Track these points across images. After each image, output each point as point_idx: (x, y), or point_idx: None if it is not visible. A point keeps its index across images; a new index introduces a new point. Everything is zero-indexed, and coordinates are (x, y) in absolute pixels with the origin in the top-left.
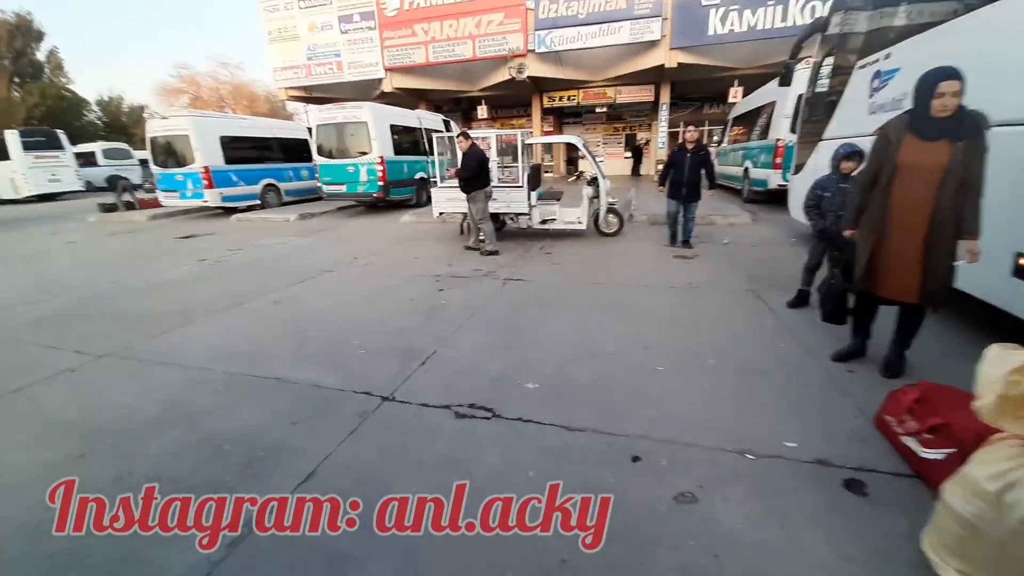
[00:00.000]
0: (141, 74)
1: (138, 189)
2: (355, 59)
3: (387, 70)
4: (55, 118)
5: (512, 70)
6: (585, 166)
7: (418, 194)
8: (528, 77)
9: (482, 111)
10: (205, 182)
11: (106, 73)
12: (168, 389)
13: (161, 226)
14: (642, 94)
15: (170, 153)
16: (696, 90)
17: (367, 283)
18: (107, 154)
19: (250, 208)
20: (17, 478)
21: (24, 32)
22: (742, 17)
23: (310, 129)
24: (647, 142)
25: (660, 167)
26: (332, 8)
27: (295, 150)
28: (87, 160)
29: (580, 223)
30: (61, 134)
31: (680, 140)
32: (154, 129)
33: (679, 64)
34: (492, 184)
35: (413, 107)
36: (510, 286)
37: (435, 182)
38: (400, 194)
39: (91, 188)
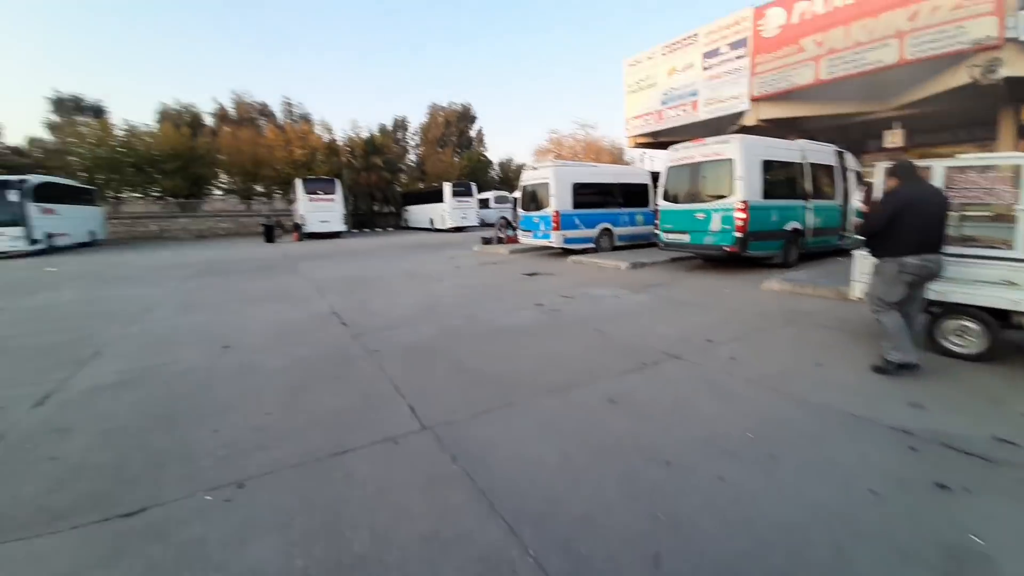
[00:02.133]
0: (529, 139)
1: (508, 228)
2: (714, 95)
3: (754, 100)
4: (473, 175)
5: (976, 70)
6: None
7: (787, 251)
8: (1001, 79)
9: (893, 137)
10: (554, 224)
11: (507, 140)
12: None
13: (514, 261)
14: None
15: (533, 199)
16: None
17: (744, 403)
18: (496, 200)
19: (585, 251)
20: None
21: (464, 117)
22: None
23: (654, 174)
24: None
25: None
26: (697, 45)
27: (633, 195)
28: (483, 204)
29: None
30: (472, 185)
31: None
32: (525, 179)
33: None
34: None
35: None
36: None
37: (846, 239)
38: (762, 249)
39: (483, 224)
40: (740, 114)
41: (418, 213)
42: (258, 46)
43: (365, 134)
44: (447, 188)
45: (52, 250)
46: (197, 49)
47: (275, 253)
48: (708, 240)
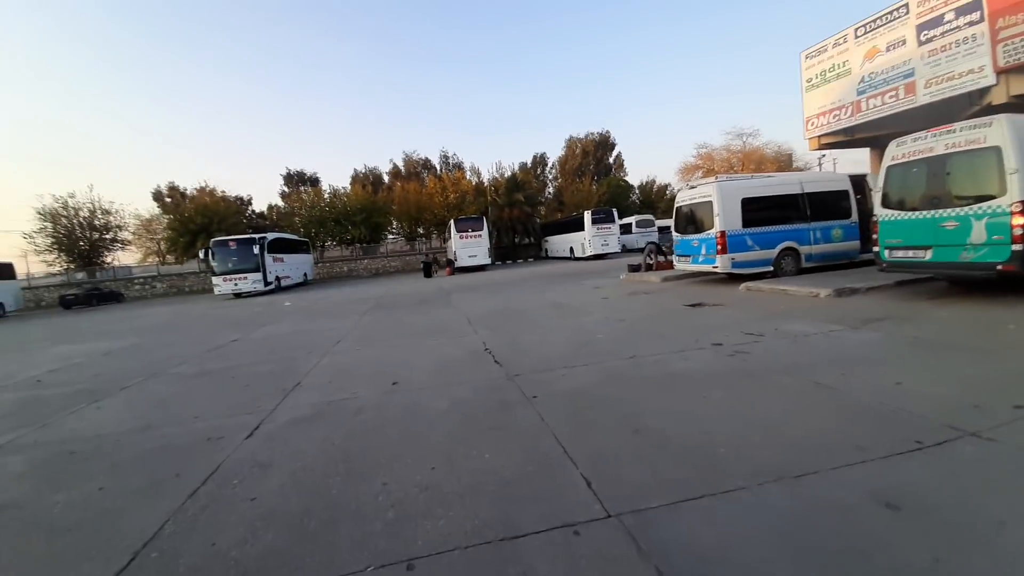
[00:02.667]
0: (671, 159)
1: (658, 253)
2: (939, 72)
3: (1001, 72)
4: (613, 201)
5: None
6: None
7: None
8: None
9: None
10: (719, 247)
11: (648, 162)
12: None
13: (669, 289)
14: None
15: (691, 220)
16: None
17: None
18: (638, 224)
19: (759, 276)
20: None
21: (602, 145)
22: None
23: (855, 178)
24: None
25: None
26: (908, 18)
27: (826, 205)
28: (625, 230)
29: None
30: (613, 211)
31: None
32: (682, 198)
33: None
34: None
35: None
36: None
37: None
38: None
39: (624, 250)
40: (983, 91)
41: (558, 243)
42: (422, 106)
43: (508, 173)
44: (587, 216)
45: (279, 289)
46: (378, 123)
47: (432, 287)
48: (966, 256)
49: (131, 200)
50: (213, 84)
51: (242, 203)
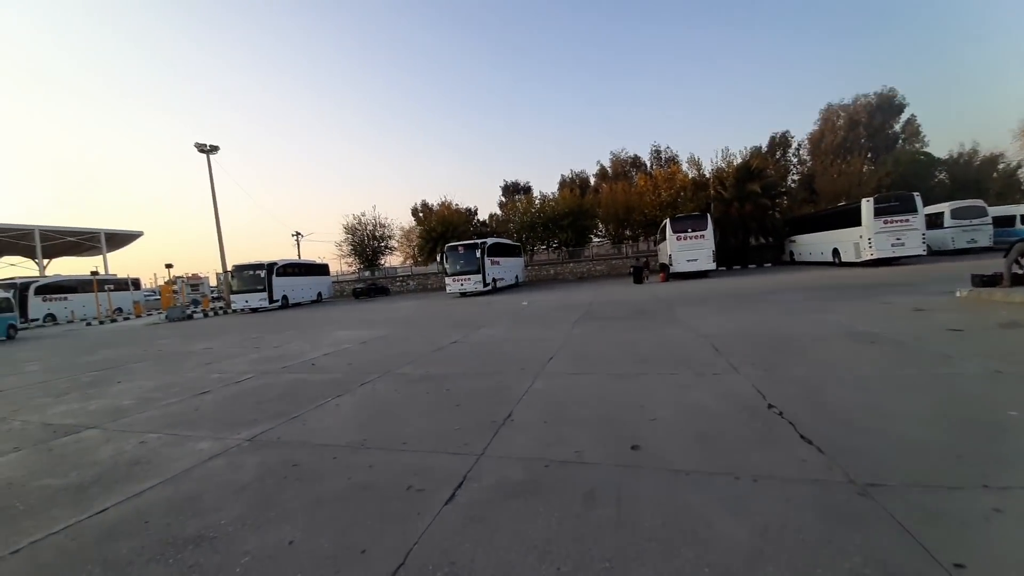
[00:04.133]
0: (1002, 115)
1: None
2: None
3: None
4: (904, 183)
5: None
6: None
7: None
8: None
9: None
10: None
11: (959, 123)
12: None
13: None
14: None
15: None
16: None
17: None
18: (955, 214)
19: None
20: None
21: (882, 109)
22: None
23: None
24: None
25: None
26: None
27: None
28: (932, 222)
29: None
30: (916, 197)
31: None
32: None
33: None
34: None
35: None
36: None
37: None
38: None
39: (931, 252)
40: None
41: (811, 243)
42: (635, 100)
43: (737, 161)
44: (867, 206)
45: (495, 290)
46: (585, 127)
47: (645, 295)
48: None
49: (397, 215)
50: (463, 113)
51: (470, 213)
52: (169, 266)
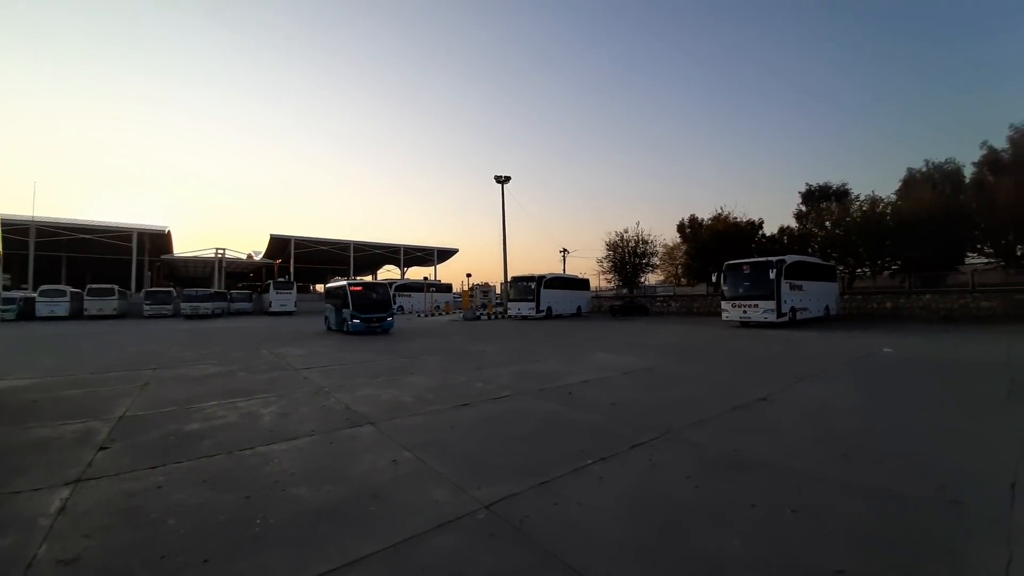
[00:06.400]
0: None
1: None
2: None
3: None
4: None
5: None
6: None
7: None
8: None
9: None
10: None
11: None
12: None
13: None
14: None
15: None
16: None
17: None
18: None
19: None
20: None
21: None
22: None
23: None
24: None
25: None
26: None
27: None
28: None
29: None
30: None
31: None
32: None
33: None
34: None
35: None
36: None
37: None
38: None
39: None
40: None
41: None
42: None
43: None
44: None
45: (793, 323)
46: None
47: None
48: None
49: (661, 231)
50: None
51: (752, 227)
52: (468, 275)
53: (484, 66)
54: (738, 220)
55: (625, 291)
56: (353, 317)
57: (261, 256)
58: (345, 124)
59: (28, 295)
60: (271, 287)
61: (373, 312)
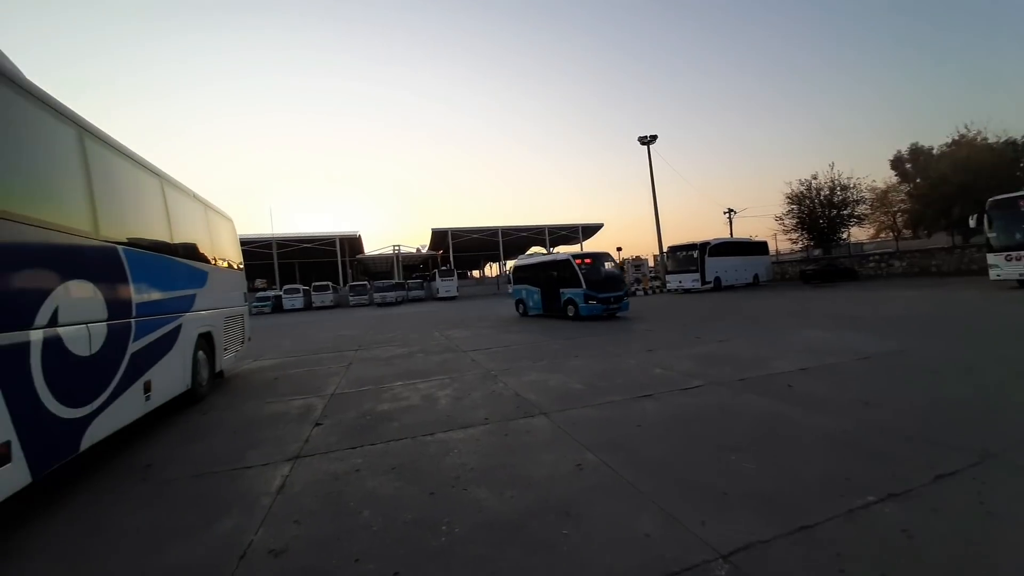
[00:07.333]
0: None
1: None
2: None
3: None
4: None
5: None
6: None
7: None
8: None
9: None
10: None
11: None
12: None
13: None
14: None
15: None
16: None
17: None
18: None
19: None
20: None
21: None
22: None
23: None
24: None
25: None
26: None
27: None
28: None
29: None
30: None
31: None
32: None
33: None
34: None
35: None
36: None
37: None
38: None
39: None
40: None
41: None
42: None
43: None
44: None
45: None
46: None
47: None
48: None
49: (868, 172)
50: None
51: (1017, 149)
52: (619, 249)
53: (615, 15)
54: (993, 142)
55: (818, 252)
56: (588, 298)
57: (426, 249)
58: (486, 112)
59: (276, 293)
60: (436, 275)
61: (610, 291)
